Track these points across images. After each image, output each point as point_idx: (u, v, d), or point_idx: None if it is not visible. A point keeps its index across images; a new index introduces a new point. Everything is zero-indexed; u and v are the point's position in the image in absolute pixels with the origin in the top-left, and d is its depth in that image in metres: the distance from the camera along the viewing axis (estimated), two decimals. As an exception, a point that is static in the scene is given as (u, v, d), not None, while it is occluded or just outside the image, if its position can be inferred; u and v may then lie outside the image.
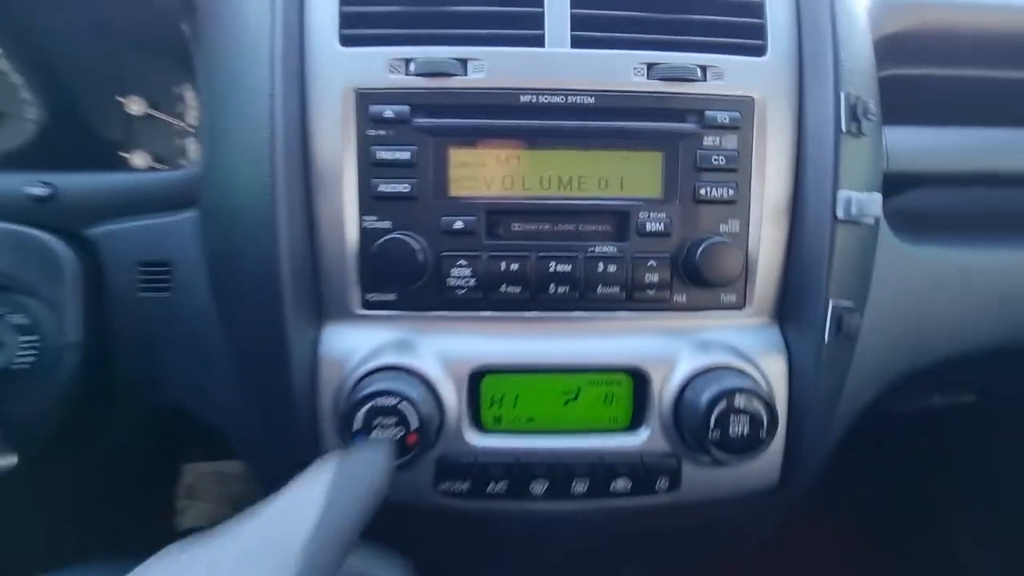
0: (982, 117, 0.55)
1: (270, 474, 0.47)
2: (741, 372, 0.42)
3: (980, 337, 0.50)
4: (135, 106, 0.60)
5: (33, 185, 0.44)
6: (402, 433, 0.39)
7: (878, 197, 0.42)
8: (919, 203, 0.58)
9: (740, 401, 0.40)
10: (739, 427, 0.40)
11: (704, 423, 0.40)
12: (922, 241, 0.51)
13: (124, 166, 0.60)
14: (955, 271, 0.51)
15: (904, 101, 0.54)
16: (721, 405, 0.40)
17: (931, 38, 0.52)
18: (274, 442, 0.45)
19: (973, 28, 0.52)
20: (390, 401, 0.39)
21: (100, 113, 0.59)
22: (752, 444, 0.40)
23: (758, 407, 0.40)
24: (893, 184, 0.53)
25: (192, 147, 0.61)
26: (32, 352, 0.40)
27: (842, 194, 0.42)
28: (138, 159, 0.61)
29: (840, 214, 0.42)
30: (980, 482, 0.95)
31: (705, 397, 0.40)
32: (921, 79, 0.55)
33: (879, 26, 0.49)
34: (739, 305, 0.45)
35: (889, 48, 0.51)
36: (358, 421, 0.39)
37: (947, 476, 0.99)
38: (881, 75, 0.53)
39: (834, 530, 1.08)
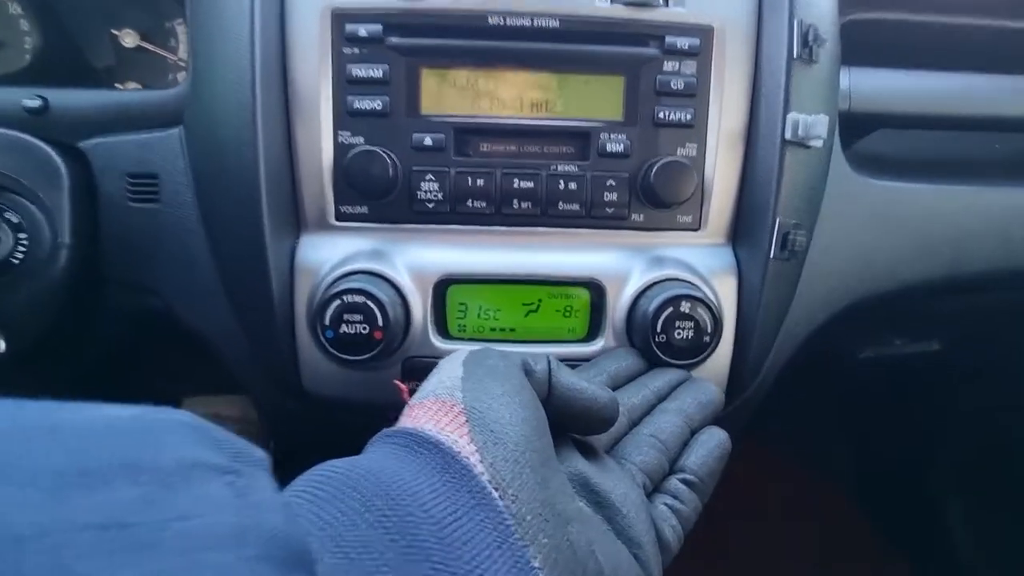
0: (946, 62, 0.57)
1: (250, 378, 0.51)
2: (690, 284, 0.44)
3: (927, 270, 0.52)
4: (128, 39, 0.62)
5: (28, 98, 0.47)
6: (368, 329, 0.42)
7: (824, 118, 0.43)
8: (884, 146, 0.60)
9: (685, 307, 0.42)
10: (684, 332, 0.43)
11: (651, 328, 0.43)
12: (881, 177, 0.53)
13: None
14: (910, 206, 0.53)
15: (870, 44, 0.55)
16: (667, 311, 0.42)
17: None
18: (254, 345, 0.48)
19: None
20: (358, 299, 0.42)
21: (94, 44, 0.61)
22: (695, 348, 0.43)
23: (703, 314, 0.43)
24: (857, 124, 0.55)
25: (183, 80, 0.64)
26: (25, 249, 0.43)
27: (791, 116, 0.44)
28: (130, 89, 0.63)
29: (788, 135, 0.44)
30: (962, 439, 0.96)
31: (653, 304, 0.43)
32: (887, 23, 0.56)
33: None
34: (695, 226, 0.48)
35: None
36: (327, 318, 0.42)
37: (931, 434, 1.01)
38: (849, 19, 0.55)
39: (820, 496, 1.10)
